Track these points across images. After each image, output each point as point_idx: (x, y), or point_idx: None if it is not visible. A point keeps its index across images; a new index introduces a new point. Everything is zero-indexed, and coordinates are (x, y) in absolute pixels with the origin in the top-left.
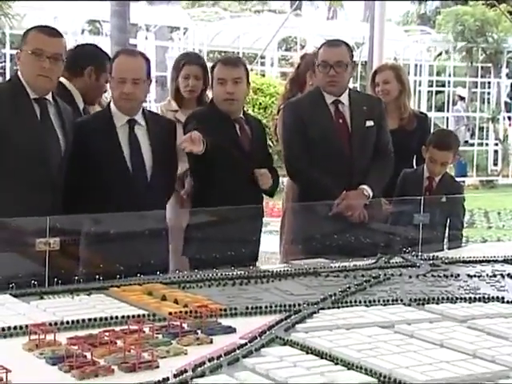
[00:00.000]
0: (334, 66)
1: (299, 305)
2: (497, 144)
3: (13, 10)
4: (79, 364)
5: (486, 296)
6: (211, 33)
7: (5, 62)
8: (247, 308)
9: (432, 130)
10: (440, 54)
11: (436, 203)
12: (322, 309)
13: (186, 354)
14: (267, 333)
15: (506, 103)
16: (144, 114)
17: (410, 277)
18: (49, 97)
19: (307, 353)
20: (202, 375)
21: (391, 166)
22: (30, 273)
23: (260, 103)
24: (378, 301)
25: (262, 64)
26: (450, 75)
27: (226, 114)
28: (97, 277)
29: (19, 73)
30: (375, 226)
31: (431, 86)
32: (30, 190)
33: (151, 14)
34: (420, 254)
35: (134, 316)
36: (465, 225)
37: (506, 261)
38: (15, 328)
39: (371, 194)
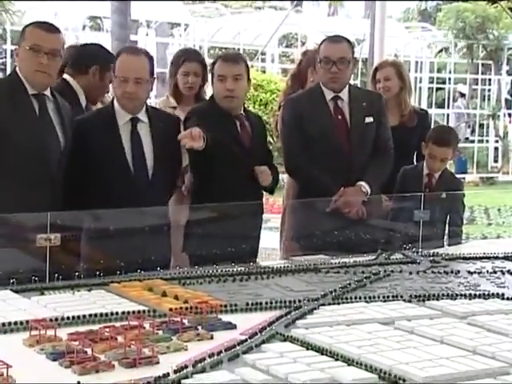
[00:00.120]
0: (337, 62)
1: (299, 301)
2: (497, 141)
3: (14, 6)
4: (80, 360)
5: (486, 292)
6: (212, 29)
7: (5, 57)
8: (247, 304)
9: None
10: (441, 50)
11: (436, 200)
12: (323, 305)
13: (186, 349)
14: (267, 329)
15: (506, 100)
16: (147, 111)
17: (411, 273)
18: (47, 92)
19: (307, 349)
20: (203, 371)
21: (390, 163)
22: (30, 268)
23: (260, 100)
24: (378, 297)
25: (263, 60)
26: (450, 72)
27: (227, 111)
28: (97, 273)
29: (17, 69)
30: (375, 222)
31: (432, 82)
32: (29, 185)
33: (152, 10)
34: (420, 250)
35: (134, 312)
36: (465, 221)
37: (506, 257)
38: (16, 323)
39: (369, 191)
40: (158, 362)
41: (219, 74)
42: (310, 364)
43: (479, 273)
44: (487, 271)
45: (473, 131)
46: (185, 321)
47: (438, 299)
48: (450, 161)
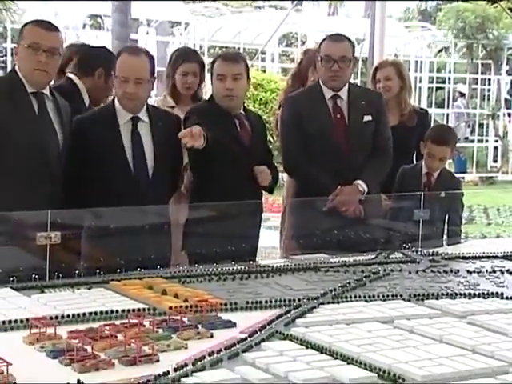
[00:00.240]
0: (338, 61)
1: (299, 300)
2: (497, 140)
3: (15, 4)
4: (80, 357)
5: (486, 292)
6: (212, 28)
7: (6, 55)
8: (247, 303)
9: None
10: (441, 50)
11: (435, 199)
12: (322, 304)
13: (186, 348)
14: (267, 327)
15: (506, 100)
16: (148, 111)
17: (410, 272)
18: (46, 91)
19: (307, 347)
20: (202, 369)
21: (389, 162)
22: (30, 266)
23: (260, 99)
24: (378, 296)
25: (263, 60)
26: (450, 72)
27: (226, 110)
28: (97, 271)
29: (17, 67)
30: (375, 221)
31: (431, 82)
32: (28, 184)
33: (152, 9)
34: (420, 249)
35: (134, 310)
36: (464, 221)
37: (505, 257)
38: (16, 321)
39: (366, 190)
40: (157, 360)
41: (219, 74)
42: (309, 362)
43: (478, 272)
44: (486, 270)
45: (472, 131)
46: (185, 319)
47: (437, 298)
48: (448, 160)
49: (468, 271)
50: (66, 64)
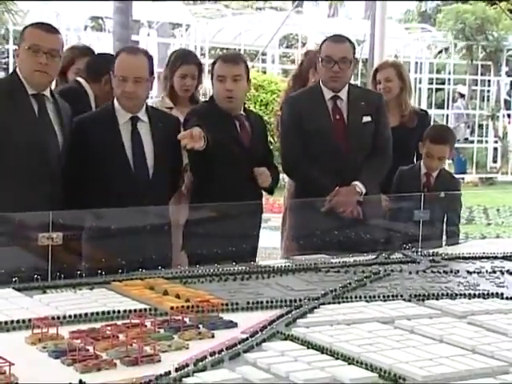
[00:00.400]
0: (339, 62)
1: (300, 300)
2: (496, 141)
3: (16, 6)
4: (82, 357)
5: (486, 292)
6: (213, 30)
7: (8, 57)
8: (248, 303)
9: None
10: (440, 51)
11: (435, 199)
12: (323, 304)
13: (187, 348)
14: (268, 328)
15: (505, 101)
16: (147, 111)
17: (410, 273)
18: (47, 93)
19: (308, 348)
20: (204, 369)
21: (388, 163)
22: (32, 267)
23: (261, 100)
24: (378, 296)
25: (264, 61)
26: (450, 73)
27: (226, 111)
28: (99, 271)
29: (17, 69)
30: (375, 222)
31: (431, 83)
32: (28, 185)
33: (153, 10)
34: (420, 250)
35: (135, 310)
36: (464, 221)
37: (505, 257)
38: (18, 322)
39: (363, 191)
40: (159, 361)
41: (219, 75)
42: (310, 363)
43: (478, 272)
44: (486, 271)
45: (472, 132)
46: (186, 319)
47: (437, 299)
48: (447, 160)
49: (468, 271)
50: (68, 66)
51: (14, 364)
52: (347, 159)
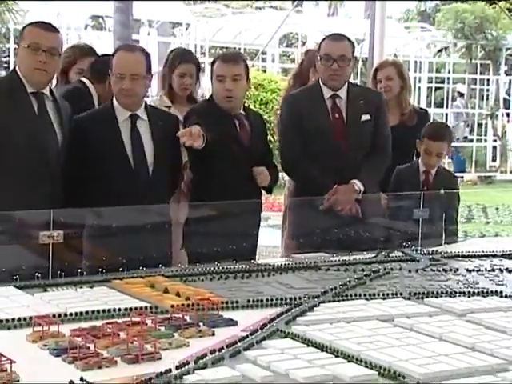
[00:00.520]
0: (338, 60)
1: (300, 298)
2: (495, 140)
3: (17, 5)
4: (82, 355)
5: (485, 290)
6: (213, 29)
7: (9, 56)
8: (248, 301)
9: None
10: (440, 50)
11: (434, 197)
12: (323, 302)
13: (188, 346)
14: (268, 325)
15: (504, 100)
16: (146, 109)
17: (410, 271)
18: (46, 91)
19: (308, 345)
20: (204, 367)
21: (387, 162)
22: (33, 265)
23: (261, 99)
24: (378, 294)
25: (264, 60)
26: (449, 72)
27: (226, 110)
28: (100, 269)
29: (17, 67)
30: (375, 220)
31: (431, 82)
32: (28, 184)
33: (154, 9)
34: (419, 248)
35: (136, 308)
36: (463, 220)
37: (504, 255)
38: (19, 319)
39: (362, 189)
40: (160, 358)
41: (218, 75)
42: (310, 360)
43: (478, 271)
44: (485, 269)
45: (471, 130)
46: (186, 317)
47: (437, 297)
48: (446, 157)
49: (467, 270)
50: (70, 66)
51: (15, 362)
52: (346, 158)
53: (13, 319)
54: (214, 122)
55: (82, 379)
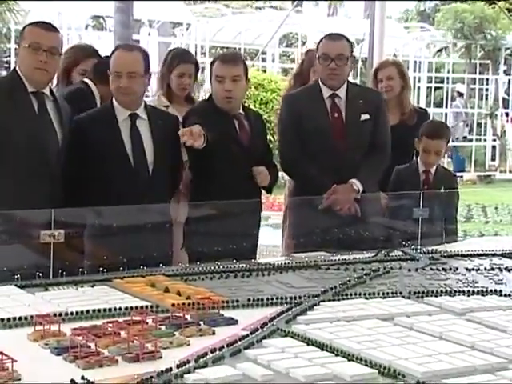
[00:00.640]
0: (335, 59)
1: (300, 297)
2: (495, 140)
3: (18, 5)
4: (84, 354)
5: (484, 289)
6: (213, 29)
7: (10, 56)
8: (249, 300)
9: None
10: (439, 50)
11: (434, 197)
12: (323, 301)
13: (188, 344)
14: (269, 324)
15: (503, 99)
16: (146, 109)
17: (410, 270)
18: (46, 91)
19: (308, 344)
20: (205, 366)
21: (386, 161)
22: (34, 264)
23: (261, 99)
24: (378, 293)
25: (264, 60)
26: (448, 72)
27: (225, 111)
28: (100, 269)
29: (17, 67)
30: (375, 219)
31: (430, 82)
32: (28, 183)
33: (154, 10)
34: (419, 247)
35: (137, 307)
36: (463, 219)
37: (503, 255)
38: (20, 319)
39: (360, 189)
40: (160, 357)
41: (218, 75)
42: (310, 359)
43: (477, 270)
44: (485, 268)
45: (471, 130)
46: (187, 316)
47: (436, 296)
48: (444, 155)
49: (467, 269)
50: (72, 67)
51: (16, 361)
52: (345, 157)
53: (14, 318)
54: (213, 122)
55: (83, 378)
